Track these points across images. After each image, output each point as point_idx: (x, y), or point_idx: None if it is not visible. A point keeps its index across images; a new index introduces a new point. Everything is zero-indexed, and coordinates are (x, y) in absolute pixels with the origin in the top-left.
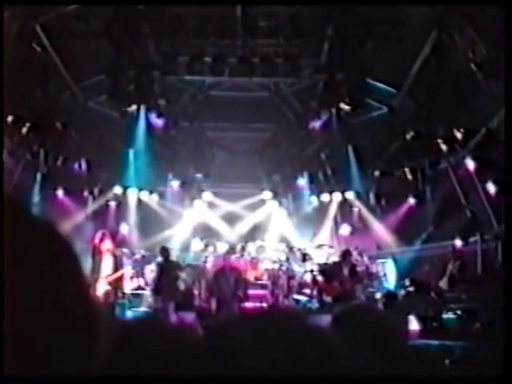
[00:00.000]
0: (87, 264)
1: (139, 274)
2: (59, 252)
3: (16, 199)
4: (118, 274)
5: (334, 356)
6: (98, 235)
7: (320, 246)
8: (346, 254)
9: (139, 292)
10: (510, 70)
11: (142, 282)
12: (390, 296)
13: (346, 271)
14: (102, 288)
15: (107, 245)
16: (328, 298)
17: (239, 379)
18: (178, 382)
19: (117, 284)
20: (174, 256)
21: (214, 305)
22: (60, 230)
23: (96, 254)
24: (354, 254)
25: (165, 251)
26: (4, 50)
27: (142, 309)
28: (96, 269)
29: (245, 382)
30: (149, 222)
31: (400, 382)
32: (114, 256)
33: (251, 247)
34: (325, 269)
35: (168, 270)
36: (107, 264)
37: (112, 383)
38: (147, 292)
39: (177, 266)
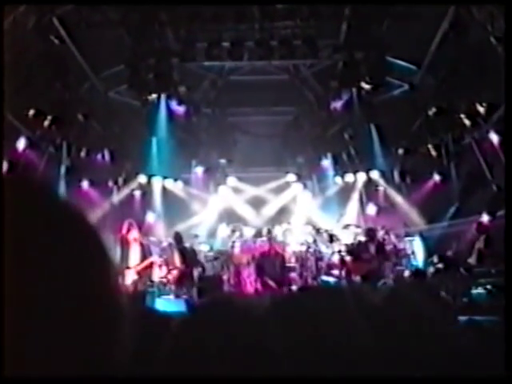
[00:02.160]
0: (116, 254)
1: (167, 262)
2: (87, 242)
3: (45, 186)
4: (146, 262)
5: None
6: (125, 225)
7: (347, 227)
8: (370, 233)
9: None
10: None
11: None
12: (418, 273)
13: (372, 249)
14: (130, 277)
15: (134, 234)
16: (357, 278)
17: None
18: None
19: (145, 273)
20: (198, 243)
21: (256, 287)
22: (87, 217)
23: (124, 244)
24: (381, 232)
25: (178, 236)
26: (22, 43)
27: (171, 297)
28: (124, 259)
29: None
30: (174, 209)
31: (400, 382)
32: (142, 245)
33: (278, 230)
34: (352, 249)
35: (184, 256)
36: (135, 253)
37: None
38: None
39: (192, 252)
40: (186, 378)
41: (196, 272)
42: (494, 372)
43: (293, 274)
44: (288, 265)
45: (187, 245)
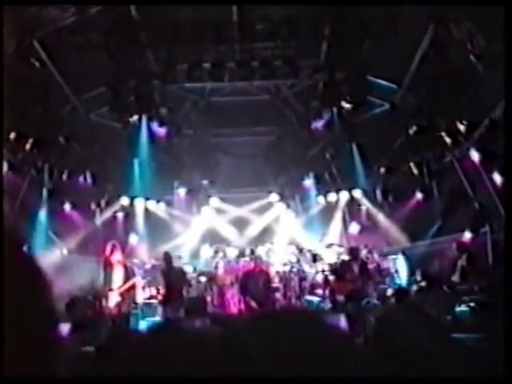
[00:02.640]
0: (99, 276)
1: (150, 283)
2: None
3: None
4: (129, 284)
5: (349, 356)
6: (108, 247)
7: (330, 246)
8: (353, 252)
9: (151, 301)
10: (510, 66)
11: (153, 291)
12: (402, 292)
13: (356, 269)
14: (114, 299)
15: (117, 256)
16: (340, 297)
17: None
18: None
19: (128, 295)
20: (183, 263)
21: (239, 307)
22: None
23: (107, 265)
24: (364, 251)
25: (168, 257)
26: (3, 68)
27: (156, 318)
28: (107, 281)
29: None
30: (157, 231)
31: (401, 382)
32: (125, 267)
33: (261, 251)
34: (336, 268)
35: (173, 276)
36: (118, 275)
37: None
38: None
39: (181, 272)
40: None
41: (185, 292)
42: (493, 372)
43: (277, 294)
44: (272, 285)
45: (175, 265)
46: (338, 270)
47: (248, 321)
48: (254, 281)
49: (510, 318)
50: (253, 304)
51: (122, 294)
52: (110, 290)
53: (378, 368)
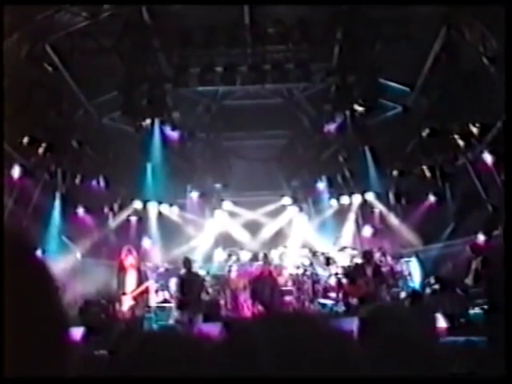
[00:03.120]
0: (113, 280)
1: (164, 287)
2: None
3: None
4: (143, 287)
5: (359, 358)
6: (124, 251)
7: (343, 249)
8: (367, 255)
9: (165, 305)
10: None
11: (167, 295)
12: (415, 295)
13: (369, 272)
14: (127, 303)
15: (131, 260)
16: (354, 300)
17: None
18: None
19: (142, 298)
20: (197, 267)
21: (253, 310)
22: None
23: (121, 269)
24: (378, 254)
25: (187, 262)
26: (15, 72)
27: (169, 322)
28: (121, 284)
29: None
30: (170, 234)
31: (402, 382)
32: (138, 271)
33: (274, 254)
34: (349, 271)
35: (191, 281)
36: (131, 279)
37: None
38: (173, 305)
39: (200, 278)
40: None
41: (203, 296)
42: (493, 372)
43: (289, 297)
44: (284, 288)
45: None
46: (352, 273)
47: (255, 324)
48: (261, 285)
49: (510, 317)
50: (260, 308)
51: (135, 298)
52: (124, 293)
53: (378, 368)
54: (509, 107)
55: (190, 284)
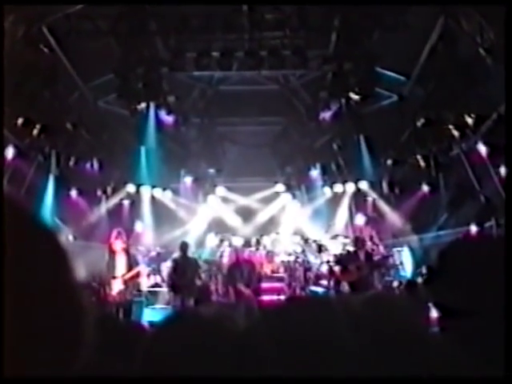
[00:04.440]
0: (103, 262)
1: (155, 271)
2: (55, 258)
3: (25, 204)
4: (134, 272)
5: (352, 347)
6: (114, 234)
7: (335, 237)
8: (358, 242)
9: (156, 289)
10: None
11: (158, 279)
12: (408, 284)
13: (362, 256)
14: (117, 287)
15: (121, 243)
16: (345, 286)
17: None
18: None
19: (132, 282)
20: (190, 252)
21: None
22: (59, 238)
23: (110, 253)
24: (370, 243)
25: (184, 246)
26: (11, 53)
27: (159, 306)
28: (111, 268)
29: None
30: (163, 218)
31: (400, 382)
32: (129, 254)
33: (266, 240)
34: (341, 259)
35: (185, 265)
36: (122, 263)
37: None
38: (164, 289)
39: (195, 263)
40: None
41: (197, 281)
42: (493, 372)
43: (281, 284)
44: (276, 275)
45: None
46: (343, 260)
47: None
48: (239, 271)
49: (510, 317)
50: (242, 288)
51: (125, 282)
52: (114, 277)
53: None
54: (509, 99)
55: (184, 268)
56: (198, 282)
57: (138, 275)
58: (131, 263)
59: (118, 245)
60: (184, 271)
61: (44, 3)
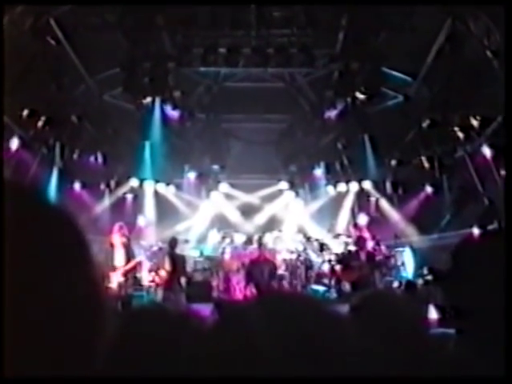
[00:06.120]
0: (102, 256)
1: (157, 266)
2: (71, 243)
3: (32, 187)
4: (132, 263)
5: (350, 344)
6: (116, 227)
7: (337, 236)
8: (360, 242)
9: (152, 284)
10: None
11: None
12: (409, 285)
13: (363, 256)
14: (116, 279)
15: (122, 237)
16: (346, 285)
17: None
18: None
19: (132, 274)
20: (189, 248)
21: (248, 294)
22: (74, 220)
23: (111, 246)
24: (372, 243)
25: (173, 242)
26: (18, 44)
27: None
28: (110, 260)
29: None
30: (166, 213)
31: (400, 382)
32: (129, 247)
33: (268, 238)
34: (342, 258)
35: (174, 262)
36: (121, 256)
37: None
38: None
39: (182, 260)
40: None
41: (183, 279)
42: (493, 372)
43: (282, 282)
44: (278, 273)
45: (178, 252)
46: (345, 259)
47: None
48: (259, 269)
49: (510, 317)
50: (254, 291)
51: (125, 274)
52: (113, 270)
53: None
54: (509, 103)
55: (174, 264)
56: (183, 280)
57: (136, 267)
58: (130, 256)
59: (119, 239)
60: (174, 267)
61: (40, 3)
